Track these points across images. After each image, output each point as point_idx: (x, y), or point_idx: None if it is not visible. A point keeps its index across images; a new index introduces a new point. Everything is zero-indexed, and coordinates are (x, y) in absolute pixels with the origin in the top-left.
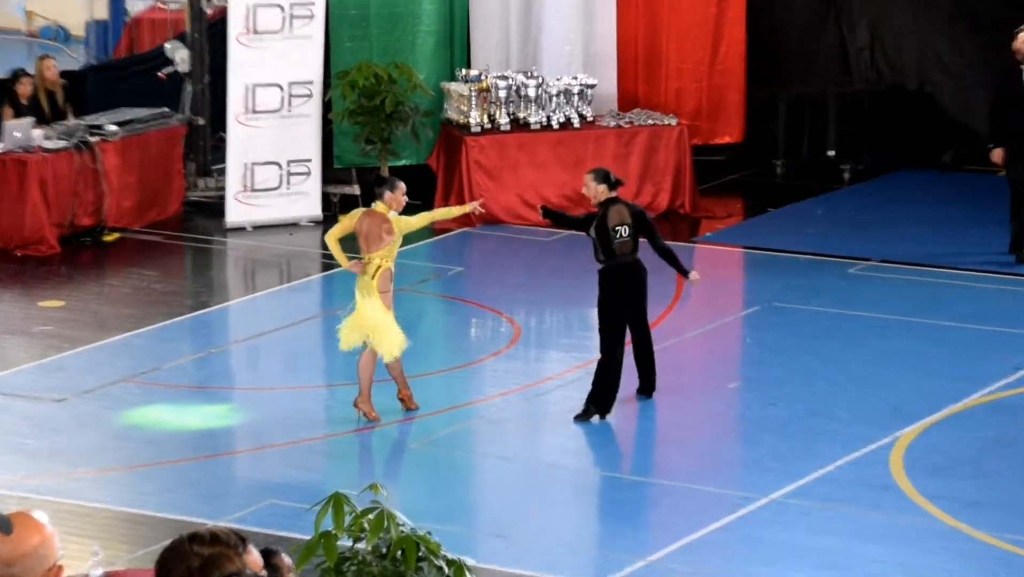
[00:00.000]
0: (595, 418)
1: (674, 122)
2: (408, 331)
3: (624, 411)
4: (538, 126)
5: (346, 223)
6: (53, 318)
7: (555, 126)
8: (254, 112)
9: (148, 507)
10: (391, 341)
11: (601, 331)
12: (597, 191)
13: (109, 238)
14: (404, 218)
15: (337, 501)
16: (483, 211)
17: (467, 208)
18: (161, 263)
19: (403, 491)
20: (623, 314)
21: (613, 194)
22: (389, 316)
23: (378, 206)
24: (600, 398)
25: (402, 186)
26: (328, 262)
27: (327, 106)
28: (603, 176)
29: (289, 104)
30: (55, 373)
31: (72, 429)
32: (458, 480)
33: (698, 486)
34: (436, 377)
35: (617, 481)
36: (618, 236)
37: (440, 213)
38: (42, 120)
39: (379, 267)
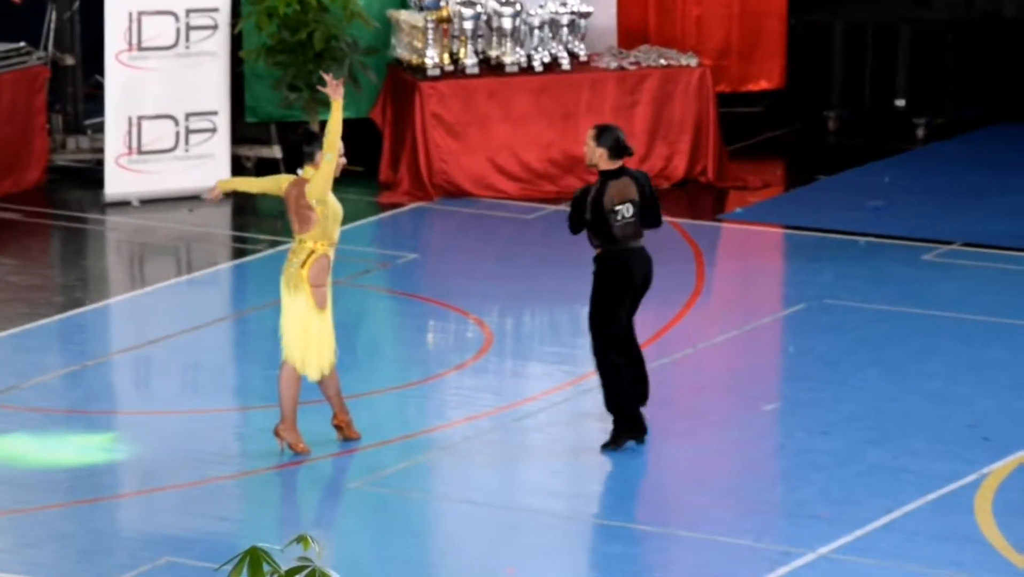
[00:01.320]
0: (630, 443)
1: (694, 62)
2: (345, 336)
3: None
4: (515, 68)
5: (266, 183)
6: None
7: (538, 68)
8: (140, 49)
9: (2, 568)
10: (321, 353)
11: (593, 333)
12: (596, 155)
13: None
14: (315, 174)
15: (254, 558)
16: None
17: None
18: (19, 248)
19: (341, 544)
20: (622, 314)
21: (618, 164)
22: (322, 319)
23: (307, 172)
24: (625, 418)
25: (340, 147)
26: (241, 247)
27: (237, 41)
28: (610, 138)
29: (187, 39)
30: None
31: None
32: (411, 530)
33: (726, 538)
34: (383, 396)
35: (620, 532)
36: (619, 217)
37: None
38: None
39: (311, 252)
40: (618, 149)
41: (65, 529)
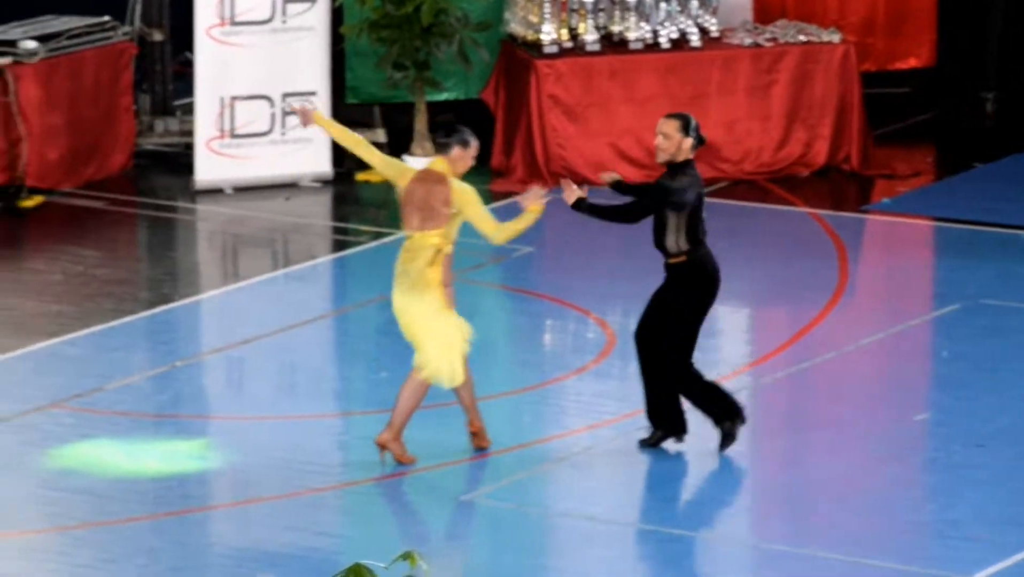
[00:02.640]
0: (740, 429)
1: (836, 38)
2: None
3: (759, 450)
4: (640, 45)
5: (381, 161)
6: None
7: (664, 45)
8: (233, 24)
9: None
10: (453, 359)
11: (674, 340)
12: (683, 145)
13: (28, 203)
14: (470, 191)
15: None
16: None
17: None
18: (103, 239)
19: (450, 562)
20: (701, 321)
21: (693, 153)
22: (453, 319)
23: (437, 163)
24: (725, 407)
25: (476, 146)
26: (342, 238)
27: (338, 15)
28: (695, 127)
29: (283, 12)
30: None
31: None
32: (527, 547)
33: (872, 561)
34: (497, 402)
35: (755, 553)
36: (704, 214)
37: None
38: None
39: (438, 251)
40: (700, 136)
41: (152, 544)
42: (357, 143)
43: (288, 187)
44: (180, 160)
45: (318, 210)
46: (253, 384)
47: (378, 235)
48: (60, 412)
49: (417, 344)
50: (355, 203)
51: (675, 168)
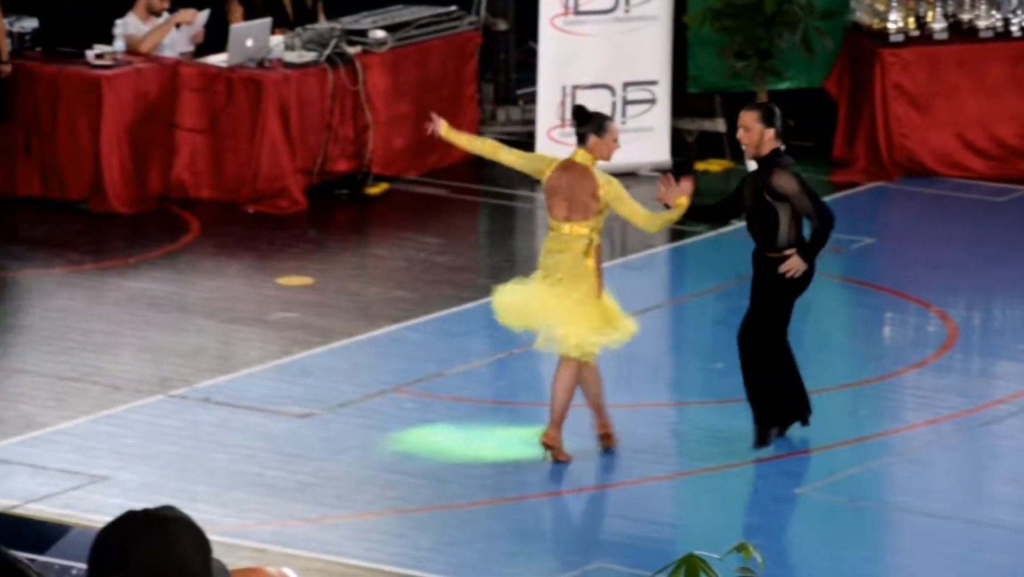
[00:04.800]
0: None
1: None
2: (792, 328)
3: None
4: (990, 34)
5: (520, 159)
6: (297, 301)
7: (1016, 33)
8: (577, 13)
9: (426, 567)
10: (593, 339)
11: (769, 336)
12: (765, 136)
13: (374, 190)
14: (616, 185)
15: (691, 566)
16: None
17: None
18: (445, 226)
19: (785, 555)
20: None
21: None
22: (607, 311)
23: (579, 155)
24: (798, 404)
25: (614, 129)
26: (678, 228)
27: (681, 4)
28: (778, 117)
29: (627, 2)
30: (299, 378)
31: (322, 456)
32: (863, 542)
33: None
34: (834, 394)
35: None
36: None
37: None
38: (283, 23)
39: (591, 241)
40: (786, 128)
41: (491, 529)
42: (494, 148)
43: (627, 176)
44: (521, 148)
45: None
46: None
47: (715, 225)
48: (401, 397)
49: (557, 328)
50: (697, 193)
51: (770, 161)
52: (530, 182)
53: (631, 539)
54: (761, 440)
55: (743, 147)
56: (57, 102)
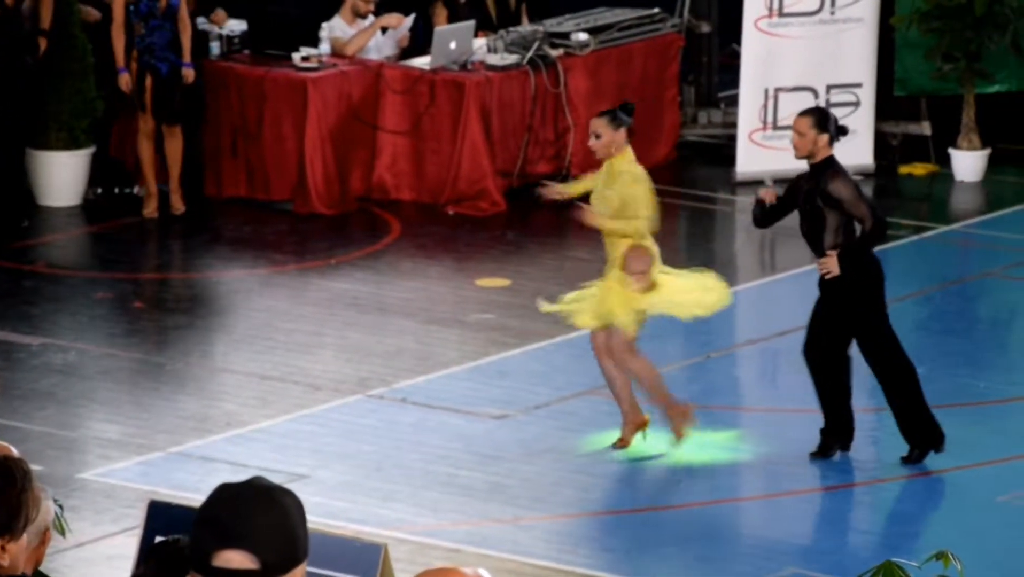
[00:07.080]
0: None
1: None
2: (995, 334)
3: None
4: None
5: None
6: (495, 303)
7: None
8: (782, 15)
9: (617, 570)
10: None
11: (880, 340)
12: (819, 142)
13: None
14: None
15: (890, 574)
16: None
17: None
18: None
19: (985, 564)
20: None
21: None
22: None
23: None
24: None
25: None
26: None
27: (888, 6)
28: (832, 120)
29: (832, 3)
30: (496, 380)
31: (517, 457)
32: None
33: None
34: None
35: None
36: None
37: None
38: (486, 25)
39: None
40: (840, 131)
41: (682, 532)
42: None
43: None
44: (722, 152)
45: None
46: (786, 377)
47: (919, 229)
48: (596, 399)
49: (613, 317)
50: (896, 196)
51: (825, 167)
52: (731, 185)
53: (827, 545)
54: (822, 452)
55: (794, 151)
56: (263, 104)
